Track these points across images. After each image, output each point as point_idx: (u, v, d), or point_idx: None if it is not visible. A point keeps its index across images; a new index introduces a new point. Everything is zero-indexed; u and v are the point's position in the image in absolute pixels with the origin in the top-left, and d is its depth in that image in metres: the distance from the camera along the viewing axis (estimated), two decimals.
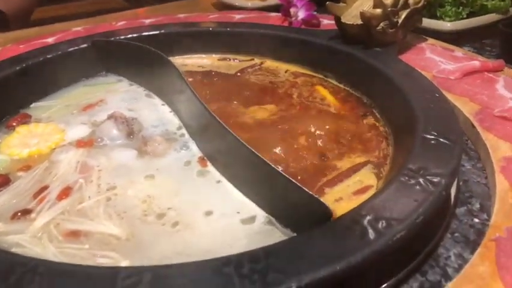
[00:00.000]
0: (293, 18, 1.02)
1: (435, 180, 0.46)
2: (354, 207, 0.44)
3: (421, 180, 0.46)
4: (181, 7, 1.49)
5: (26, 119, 0.72)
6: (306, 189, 0.45)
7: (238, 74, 0.84)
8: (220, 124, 0.56)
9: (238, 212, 0.52)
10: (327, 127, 0.64)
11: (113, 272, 0.37)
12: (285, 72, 0.84)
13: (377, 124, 0.67)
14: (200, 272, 0.37)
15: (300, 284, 0.36)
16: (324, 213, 0.43)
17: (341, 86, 0.79)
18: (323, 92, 0.71)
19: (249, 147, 0.51)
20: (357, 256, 0.38)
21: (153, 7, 1.90)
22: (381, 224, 0.41)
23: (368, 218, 0.42)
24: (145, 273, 0.37)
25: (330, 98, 0.71)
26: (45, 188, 0.57)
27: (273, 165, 0.48)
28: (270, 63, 0.87)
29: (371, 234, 0.40)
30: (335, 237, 0.40)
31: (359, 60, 0.75)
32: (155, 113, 0.74)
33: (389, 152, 0.61)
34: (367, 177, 0.57)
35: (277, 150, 0.60)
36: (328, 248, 0.39)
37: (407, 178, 0.47)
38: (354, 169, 0.58)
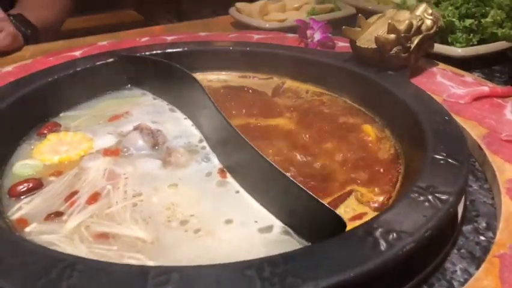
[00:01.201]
0: (309, 40, 1.06)
1: (443, 197, 0.49)
2: (367, 220, 0.47)
3: (430, 197, 0.49)
4: (195, 26, 1.54)
5: (56, 127, 0.76)
6: (323, 202, 0.48)
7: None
8: (241, 137, 0.60)
9: (256, 221, 0.56)
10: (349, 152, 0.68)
11: (144, 270, 0.41)
12: (306, 92, 0.88)
13: (390, 144, 0.71)
14: (224, 274, 0.40)
15: None
16: (339, 224, 0.47)
17: (355, 105, 0.82)
18: (369, 130, 0.73)
19: (269, 160, 0.55)
20: (370, 264, 0.41)
21: (168, 26, 1.97)
22: (391, 236, 0.44)
23: (380, 230, 0.45)
24: (173, 273, 0.40)
25: (372, 135, 0.72)
26: (75, 192, 0.60)
27: (291, 178, 0.52)
28: (290, 83, 0.91)
29: (383, 245, 0.43)
30: (349, 247, 0.43)
31: (373, 82, 0.79)
32: (178, 126, 0.78)
33: (401, 171, 0.64)
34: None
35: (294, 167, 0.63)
36: (342, 256, 0.42)
37: (416, 195, 0.50)
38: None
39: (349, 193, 0.60)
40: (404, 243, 0.43)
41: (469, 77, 0.88)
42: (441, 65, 0.94)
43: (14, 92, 0.75)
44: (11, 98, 0.73)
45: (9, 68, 0.95)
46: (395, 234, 0.44)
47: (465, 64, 0.97)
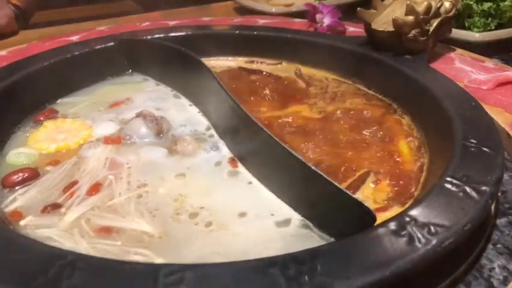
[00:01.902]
0: (318, 25, 1.02)
1: (481, 188, 0.45)
2: (398, 213, 0.43)
3: (466, 188, 0.45)
4: (195, 12, 1.49)
5: (53, 114, 0.71)
6: (350, 193, 0.44)
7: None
8: (256, 124, 0.55)
9: (272, 214, 0.51)
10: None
11: (154, 268, 0.36)
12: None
13: (411, 132, 0.66)
14: (244, 272, 0.36)
15: None
16: (368, 218, 0.42)
17: (371, 92, 0.78)
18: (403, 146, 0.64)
19: (287, 147, 0.50)
20: (407, 262, 0.37)
21: (167, 11, 1.90)
22: (428, 231, 0.40)
23: (414, 223, 0.41)
24: (187, 271, 0.36)
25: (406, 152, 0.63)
26: (74, 183, 0.56)
27: (313, 167, 0.47)
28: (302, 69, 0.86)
29: (419, 240, 0.39)
30: (382, 242, 0.39)
31: (391, 67, 0.74)
32: (183, 113, 0.73)
33: (424, 161, 0.60)
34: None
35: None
36: (375, 252, 0.38)
37: (450, 186, 0.46)
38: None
39: (363, 179, 0.56)
40: (443, 238, 0.39)
41: (489, 63, 0.83)
42: (459, 50, 0.90)
43: (9, 76, 0.70)
44: (5, 83, 0.68)
45: (3, 53, 0.90)
46: (431, 229, 0.40)
47: (482, 49, 0.92)
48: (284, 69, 0.87)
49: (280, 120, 0.68)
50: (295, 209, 0.51)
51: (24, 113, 0.71)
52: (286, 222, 0.50)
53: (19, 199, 0.53)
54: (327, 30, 1.00)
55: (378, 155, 0.61)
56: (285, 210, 0.52)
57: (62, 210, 0.52)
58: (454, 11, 0.83)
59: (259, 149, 0.57)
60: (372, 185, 0.56)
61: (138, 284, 0.35)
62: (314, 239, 0.48)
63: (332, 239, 0.47)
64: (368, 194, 0.54)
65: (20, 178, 0.56)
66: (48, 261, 0.37)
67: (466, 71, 0.80)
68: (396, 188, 0.55)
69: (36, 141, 0.64)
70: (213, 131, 0.68)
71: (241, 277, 0.36)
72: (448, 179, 0.46)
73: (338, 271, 0.36)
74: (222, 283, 0.35)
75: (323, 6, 1.02)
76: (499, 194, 0.55)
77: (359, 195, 0.53)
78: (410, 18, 0.77)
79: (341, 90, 0.79)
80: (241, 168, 0.59)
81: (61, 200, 0.53)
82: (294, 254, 0.37)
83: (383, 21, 0.81)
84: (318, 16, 1.02)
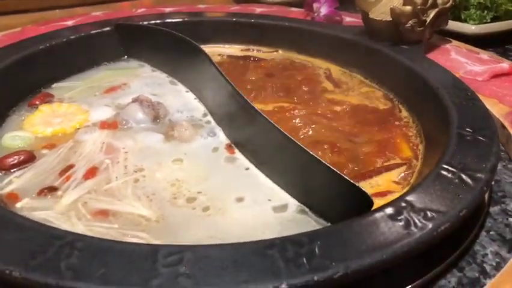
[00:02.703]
0: (315, 14, 1.01)
1: (476, 175, 0.45)
2: (395, 198, 0.43)
3: (462, 175, 0.45)
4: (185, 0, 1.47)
5: (48, 98, 0.71)
6: (347, 178, 0.44)
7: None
8: (254, 109, 0.55)
9: (269, 200, 0.52)
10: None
11: (153, 249, 0.36)
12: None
13: (407, 121, 0.66)
14: (243, 253, 0.36)
15: (347, 270, 0.35)
16: (365, 203, 0.43)
17: (367, 81, 0.78)
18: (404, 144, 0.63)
19: (285, 132, 0.50)
20: (403, 246, 0.37)
21: None
22: (424, 216, 0.40)
23: (411, 209, 0.41)
24: (185, 252, 0.36)
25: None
26: (71, 166, 0.56)
27: (311, 152, 0.47)
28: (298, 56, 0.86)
29: (415, 224, 0.39)
30: (379, 226, 0.39)
31: (388, 57, 0.74)
32: (179, 99, 0.73)
33: (419, 149, 0.60)
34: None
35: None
36: (372, 236, 0.38)
37: (446, 173, 0.46)
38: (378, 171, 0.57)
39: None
40: (439, 223, 0.40)
41: (484, 55, 0.84)
42: (455, 42, 0.90)
43: (3, 59, 0.69)
44: (0, 66, 0.67)
45: None
46: (428, 213, 0.40)
47: (477, 42, 0.93)
48: (281, 57, 0.87)
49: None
50: (292, 195, 0.52)
51: (19, 96, 0.70)
52: (283, 207, 0.51)
53: (15, 181, 0.53)
54: (324, 20, 1.00)
55: (375, 142, 0.62)
56: (282, 196, 0.52)
57: (59, 193, 0.51)
58: (451, 2, 0.84)
59: (257, 135, 0.57)
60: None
61: (137, 264, 0.35)
62: (311, 224, 0.48)
63: (329, 224, 0.47)
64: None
65: (16, 161, 0.55)
66: (47, 241, 0.37)
67: (461, 62, 0.81)
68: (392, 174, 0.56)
69: (32, 124, 0.63)
70: (209, 117, 0.68)
71: (240, 258, 0.36)
72: (444, 166, 0.47)
73: (336, 254, 0.36)
74: (221, 264, 0.35)
75: None
76: (493, 182, 0.56)
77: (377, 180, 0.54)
78: (408, 8, 0.77)
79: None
80: (238, 154, 0.59)
81: (58, 183, 0.53)
82: (292, 237, 0.38)
83: (380, 10, 0.81)
84: (315, 5, 1.01)
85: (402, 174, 0.55)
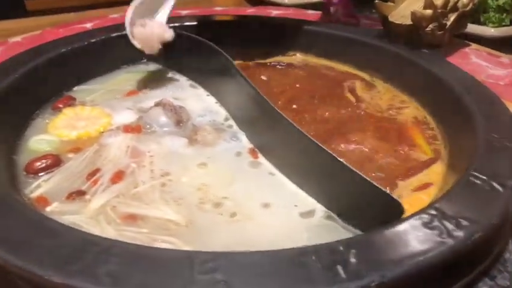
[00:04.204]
0: (332, 17, 1.01)
1: (507, 182, 0.45)
2: (427, 205, 0.43)
3: (492, 182, 0.45)
4: (205, 1, 1.48)
5: (71, 101, 0.71)
6: (378, 185, 0.44)
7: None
8: (277, 112, 0.55)
9: (295, 205, 0.52)
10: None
11: (189, 256, 0.37)
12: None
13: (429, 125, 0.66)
14: (278, 261, 0.36)
15: (383, 279, 0.35)
16: (397, 210, 0.43)
17: (386, 84, 0.78)
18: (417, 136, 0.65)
19: (312, 138, 0.50)
20: (437, 254, 0.37)
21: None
22: (457, 224, 0.40)
23: (442, 216, 0.41)
24: (221, 259, 0.36)
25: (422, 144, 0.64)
26: (97, 170, 0.56)
27: (339, 158, 0.47)
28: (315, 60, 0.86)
29: (448, 233, 0.39)
30: (412, 235, 0.39)
31: (408, 61, 0.74)
32: (200, 103, 0.73)
33: (443, 154, 0.60)
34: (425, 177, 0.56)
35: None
36: (406, 244, 0.38)
37: (476, 180, 0.46)
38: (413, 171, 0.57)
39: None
40: (472, 231, 0.40)
41: (505, 58, 0.84)
42: (474, 45, 0.90)
43: (27, 62, 0.69)
44: (24, 69, 0.67)
45: (17, 39, 0.89)
46: (461, 221, 0.40)
47: (496, 45, 0.92)
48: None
49: None
50: (319, 201, 0.52)
51: (42, 99, 0.70)
52: (310, 213, 0.51)
53: (43, 185, 0.53)
54: (340, 22, 1.00)
55: (396, 148, 0.62)
56: (308, 201, 0.52)
57: (87, 197, 0.52)
58: (471, 5, 0.83)
59: (281, 139, 0.57)
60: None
61: (174, 271, 0.35)
62: (339, 230, 0.48)
63: (357, 231, 0.48)
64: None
65: (44, 165, 0.56)
66: (84, 247, 0.37)
67: (482, 66, 0.80)
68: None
69: (57, 128, 0.64)
70: (231, 122, 0.68)
71: (275, 266, 0.36)
72: (473, 173, 0.47)
73: (371, 262, 0.36)
74: (257, 272, 0.35)
75: None
76: None
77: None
78: (429, 12, 0.77)
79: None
80: (261, 159, 0.60)
81: (85, 187, 0.53)
82: (327, 244, 0.38)
83: (400, 14, 0.81)
84: (332, 8, 1.01)
85: (428, 180, 0.55)
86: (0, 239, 0.38)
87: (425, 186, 0.54)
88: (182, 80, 0.80)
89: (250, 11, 1.10)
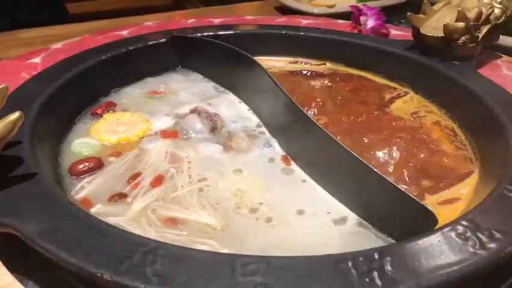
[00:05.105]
0: (363, 27, 1.03)
1: None
2: (459, 217, 0.44)
3: None
4: (236, 9, 1.52)
5: (111, 107, 0.74)
6: (412, 196, 0.45)
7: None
8: (310, 121, 0.57)
9: (328, 212, 0.53)
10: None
11: (231, 258, 0.39)
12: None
13: (459, 137, 0.67)
14: (317, 266, 0.38)
15: (418, 287, 0.36)
16: (430, 220, 0.44)
17: (417, 96, 0.79)
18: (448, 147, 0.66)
19: (345, 147, 0.52)
20: (471, 265, 0.38)
21: (197, 10, 1.92)
22: (490, 235, 0.41)
23: (476, 228, 0.42)
24: (262, 263, 0.38)
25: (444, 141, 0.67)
26: (138, 174, 0.59)
27: (373, 168, 0.49)
28: (344, 68, 0.87)
29: (482, 244, 0.40)
30: (446, 245, 0.40)
31: (440, 73, 0.75)
32: (233, 109, 0.75)
33: (473, 167, 0.61)
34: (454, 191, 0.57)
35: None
36: (440, 254, 0.39)
37: (509, 193, 0.47)
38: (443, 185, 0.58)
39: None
40: (505, 243, 0.40)
41: None
42: (505, 57, 0.90)
43: (69, 69, 0.73)
44: (68, 75, 0.71)
45: (58, 45, 0.93)
46: (494, 234, 0.41)
47: None
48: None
49: None
50: (351, 208, 0.53)
51: (83, 105, 0.74)
52: (343, 220, 0.52)
53: (87, 187, 0.56)
54: (371, 33, 1.01)
55: (426, 159, 0.62)
56: (341, 208, 0.54)
57: (128, 200, 0.54)
58: (503, 17, 0.84)
59: (313, 147, 0.59)
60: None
61: (217, 272, 0.37)
62: (372, 238, 0.49)
63: (390, 239, 0.49)
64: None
65: (86, 167, 0.59)
66: (132, 248, 0.39)
67: None
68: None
69: (98, 132, 0.67)
70: (263, 128, 0.70)
71: (313, 271, 0.38)
72: (507, 186, 0.48)
73: (406, 270, 0.37)
74: (296, 275, 0.37)
75: (368, 9, 1.03)
76: None
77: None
78: (461, 24, 0.77)
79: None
80: (294, 166, 0.61)
81: (126, 190, 0.56)
82: (364, 252, 0.39)
83: (432, 26, 0.82)
84: (362, 18, 1.03)
85: (456, 195, 0.56)
86: (54, 236, 0.41)
87: (452, 200, 0.54)
88: (216, 87, 0.83)
89: (280, 20, 1.12)
